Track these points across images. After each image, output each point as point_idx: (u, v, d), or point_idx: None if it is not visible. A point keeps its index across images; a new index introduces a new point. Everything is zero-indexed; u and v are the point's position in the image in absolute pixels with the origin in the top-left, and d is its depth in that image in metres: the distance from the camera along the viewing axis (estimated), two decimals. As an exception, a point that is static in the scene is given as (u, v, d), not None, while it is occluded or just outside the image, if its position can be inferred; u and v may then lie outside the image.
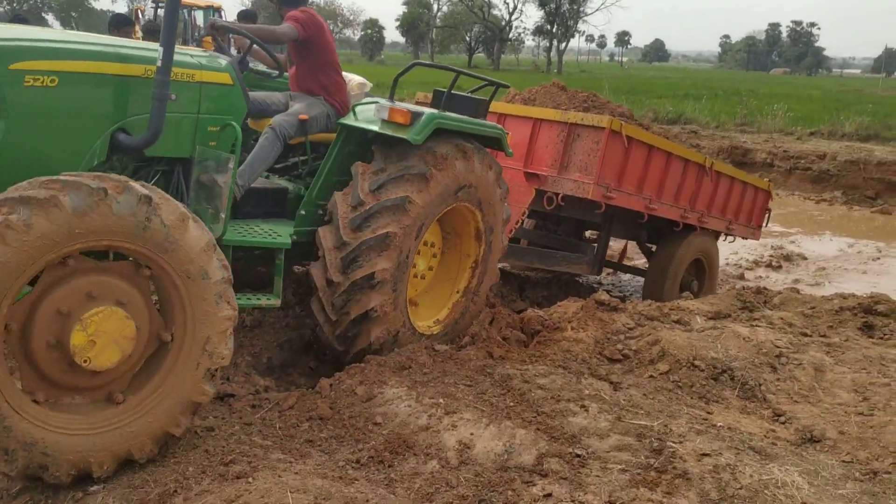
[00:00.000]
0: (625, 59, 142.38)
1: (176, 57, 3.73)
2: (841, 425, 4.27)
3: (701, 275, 8.50)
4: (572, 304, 6.17)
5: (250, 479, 3.17)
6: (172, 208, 3.19)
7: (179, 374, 3.34)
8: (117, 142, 3.74)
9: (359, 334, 4.66)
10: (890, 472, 3.73)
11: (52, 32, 3.95)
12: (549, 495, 3.28)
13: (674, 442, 3.79)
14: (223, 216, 3.98)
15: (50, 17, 69.02)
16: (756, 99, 30.22)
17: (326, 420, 3.95)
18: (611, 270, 9.92)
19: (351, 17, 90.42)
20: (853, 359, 5.04)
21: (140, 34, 12.86)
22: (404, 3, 79.94)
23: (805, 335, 5.49)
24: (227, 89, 4.17)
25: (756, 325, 5.55)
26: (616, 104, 9.34)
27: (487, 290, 5.63)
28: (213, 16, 19.07)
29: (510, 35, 74.59)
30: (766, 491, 3.39)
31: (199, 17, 19.25)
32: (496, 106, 7.14)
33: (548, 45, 75.51)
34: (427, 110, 4.76)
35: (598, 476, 3.48)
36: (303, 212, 4.76)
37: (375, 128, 4.68)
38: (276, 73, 5.39)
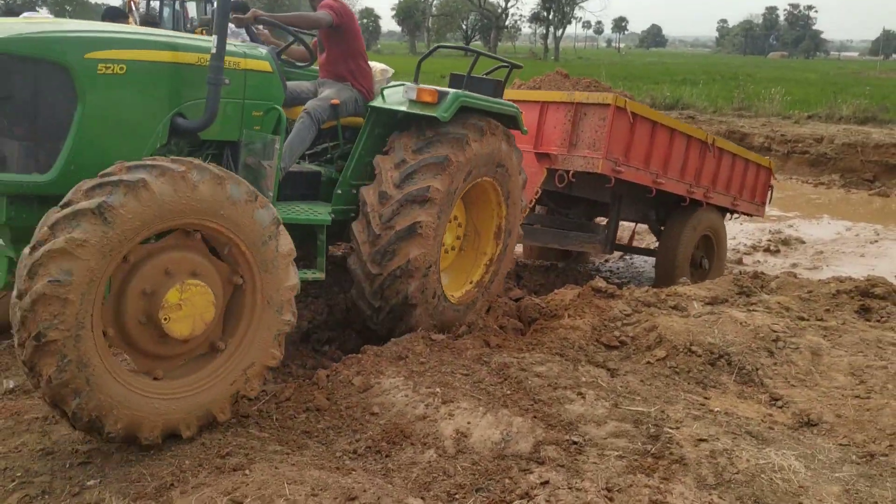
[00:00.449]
0: (622, 45, 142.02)
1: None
2: (838, 409, 4.27)
3: (710, 252, 8.72)
4: (569, 291, 6.17)
5: (247, 472, 3.17)
6: (244, 187, 3.48)
7: (260, 313, 3.67)
8: (176, 125, 3.98)
9: (396, 288, 4.80)
10: (887, 455, 3.74)
11: (113, 25, 4.41)
12: (547, 483, 3.28)
13: (671, 428, 3.79)
14: (270, 195, 4.20)
15: (44, 11, 68.73)
16: (753, 83, 30.15)
17: (323, 411, 3.95)
18: (617, 256, 10.01)
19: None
20: (850, 342, 5.04)
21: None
22: (400, -8, 79.59)
23: (802, 319, 5.49)
24: (268, 76, 4.42)
25: (753, 310, 5.54)
26: (617, 90, 9.45)
27: (512, 254, 5.88)
28: (206, 7, 18.96)
29: (506, 22, 74.23)
30: (762, 475, 3.39)
31: (192, 8, 19.16)
32: (505, 93, 7.28)
33: (544, 32, 75.28)
34: (452, 90, 5.01)
35: (595, 463, 3.48)
36: (339, 191, 5.00)
37: (404, 108, 4.95)
38: (304, 64, 5.58)
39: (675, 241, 8.20)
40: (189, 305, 3.39)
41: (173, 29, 15.94)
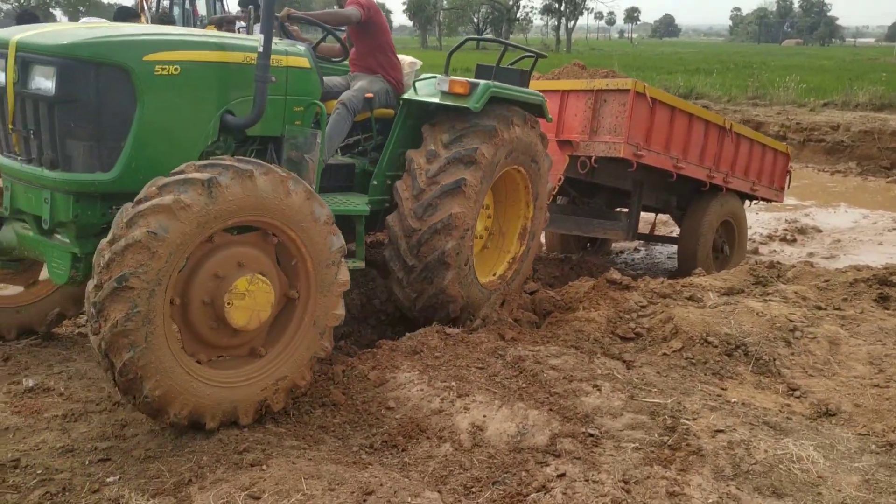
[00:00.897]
0: (634, 36, 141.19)
1: None
2: (856, 398, 4.24)
3: (731, 237, 8.74)
4: (584, 283, 6.16)
5: (264, 467, 3.19)
6: (301, 187, 3.66)
7: (304, 331, 3.82)
8: (226, 122, 4.13)
9: (434, 244, 4.89)
10: (906, 444, 3.71)
11: (164, 28, 4.61)
12: (563, 475, 3.28)
13: (687, 419, 3.78)
14: (312, 188, 4.26)
15: (58, 13, 69.15)
16: (768, 71, 29.89)
17: (339, 406, 3.97)
18: (632, 247, 9.98)
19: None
20: (868, 331, 5.00)
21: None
22: (411, -13, 79.43)
23: (819, 308, 5.45)
24: (307, 72, 4.55)
25: (770, 300, 5.50)
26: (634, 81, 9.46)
27: (533, 256, 5.98)
28: (216, 5, 19.00)
29: (518, 15, 74.03)
30: (780, 465, 3.37)
31: (202, 6, 19.21)
32: None
33: (556, 23, 74.92)
34: (482, 81, 5.12)
35: (611, 455, 3.47)
36: (375, 182, 5.15)
37: (436, 100, 5.08)
38: (337, 59, 5.66)
39: (697, 227, 8.24)
40: (252, 298, 3.56)
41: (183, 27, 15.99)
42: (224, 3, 19.33)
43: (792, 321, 5.04)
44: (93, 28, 4.02)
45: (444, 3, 78.80)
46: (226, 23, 8.88)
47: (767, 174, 9.28)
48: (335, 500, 2.95)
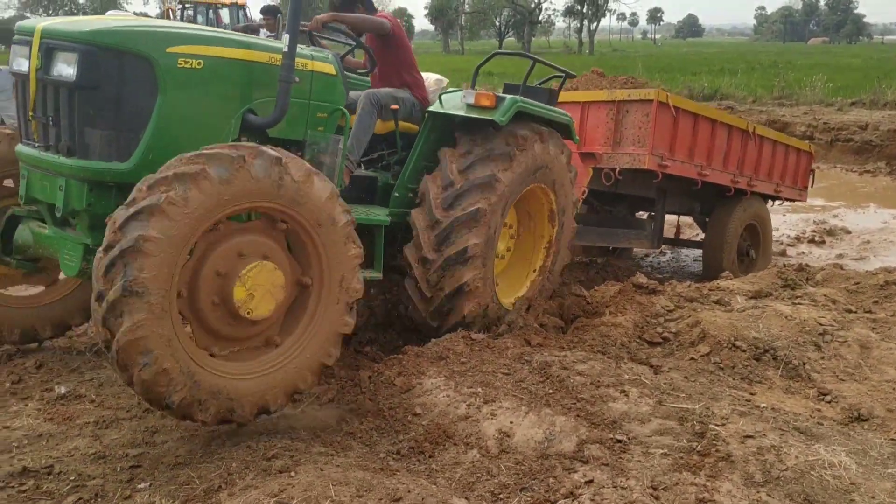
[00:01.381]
0: (658, 37, 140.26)
1: None
2: (889, 402, 4.19)
3: (756, 241, 8.68)
4: (610, 287, 6.13)
5: (293, 473, 3.21)
6: (299, 165, 3.59)
7: (324, 311, 3.77)
8: (247, 121, 4.13)
9: (453, 309, 4.88)
10: (941, 450, 3.65)
11: (190, 25, 4.61)
12: (591, 481, 3.26)
13: (716, 424, 3.74)
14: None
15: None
16: (794, 71, 29.53)
17: (366, 412, 3.98)
18: (657, 251, 9.92)
19: (380, 8, 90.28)
20: (900, 334, 4.93)
21: None
22: (432, -9, 79.57)
23: (850, 312, 5.38)
24: (333, 79, 4.55)
25: (798, 303, 5.44)
26: (654, 83, 9.42)
27: (561, 268, 5.91)
28: (239, 13, 19.21)
29: (540, 17, 73.82)
30: (812, 472, 3.33)
31: (225, 14, 19.41)
32: None
33: (578, 25, 74.68)
34: (508, 95, 5.10)
35: (640, 461, 3.45)
36: (396, 194, 5.11)
37: (462, 112, 5.03)
38: (362, 71, 5.66)
39: (722, 231, 8.18)
40: (259, 288, 3.51)
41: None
42: (247, 11, 19.54)
43: (822, 325, 4.98)
44: (119, 19, 4.08)
45: (466, 6, 78.86)
46: (249, 31, 8.98)
47: (791, 174, 9.23)
48: (363, 507, 2.96)
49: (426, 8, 79.53)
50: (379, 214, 4.86)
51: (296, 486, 3.08)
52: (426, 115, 5.25)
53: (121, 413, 4.03)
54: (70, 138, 3.73)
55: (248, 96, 4.12)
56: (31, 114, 3.87)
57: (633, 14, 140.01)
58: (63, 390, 4.23)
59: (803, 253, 10.31)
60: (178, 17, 17.90)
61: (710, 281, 6.38)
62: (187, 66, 3.84)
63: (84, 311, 4.79)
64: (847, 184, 15.82)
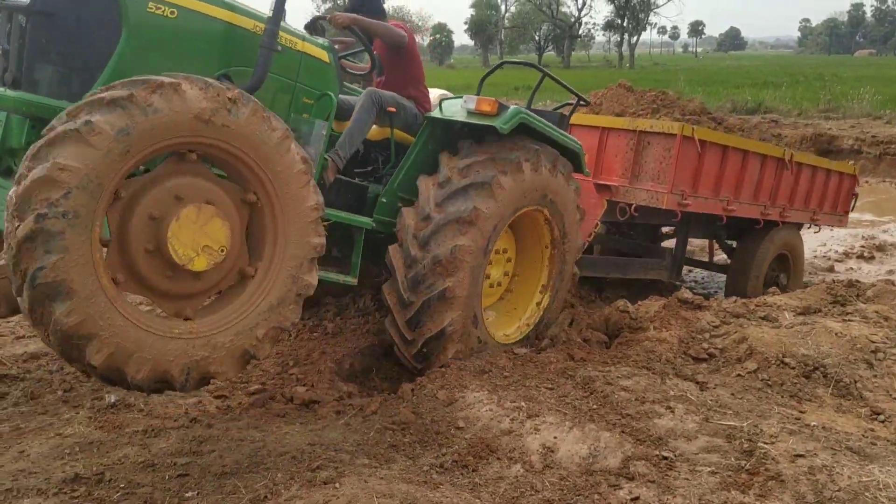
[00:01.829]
0: (699, 50, 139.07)
1: (282, 24, 3.92)
2: (946, 423, 4.06)
3: (786, 268, 8.28)
4: (654, 303, 6.06)
5: (337, 485, 3.22)
6: (277, 122, 3.40)
7: (281, 266, 3.51)
8: None
9: (435, 352, 4.68)
10: None
11: None
12: (637, 498, 3.22)
13: (765, 443, 3.67)
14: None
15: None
16: (840, 83, 29.06)
17: (409, 425, 3.98)
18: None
19: (420, 23, 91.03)
20: (956, 353, 4.79)
21: None
22: (472, 6, 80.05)
23: (902, 329, 5.25)
24: (324, 66, 4.36)
25: (849, 320, 5.33)
26: (687, 99, 9.19)
27: (565, 294, 5.65)
28: None
29: (580, 31, 73.87)
30: (866, 493, 3.25)
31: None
32: None
33: (618, 39, 74.43)
34: (513, 105, 4.93)
35: (686, 479, 3.40)
36: (384, 200, 4.84)
37: (462, 118, 4.82)
38: (360, 73, 5.56)
39: (748, 261, 7.77)
40: (200, 234, 3.24)
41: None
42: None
43: (874, 342, 4.86)
44: None
45: (506, 21, 79.11)
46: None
47: (831, 200, 8.71)
48: (408, 520, 2.96)
49: (466, 23, 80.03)
50: (363, 220, 4.66)
51: (340, 497, 3.09)
52: (425, 120, 5.03)
53: (168, 422, 4.09)
54: (17, 69, 3.41)
55: (227, 60, 3.83)
56: None
57: (675, 27, 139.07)
58: (113, 399, 4.31)
59: (852, 269, 10.10)
60: None
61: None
62: (158, 11, 3.54)
63: None
64: (896, 198, 15.48)
